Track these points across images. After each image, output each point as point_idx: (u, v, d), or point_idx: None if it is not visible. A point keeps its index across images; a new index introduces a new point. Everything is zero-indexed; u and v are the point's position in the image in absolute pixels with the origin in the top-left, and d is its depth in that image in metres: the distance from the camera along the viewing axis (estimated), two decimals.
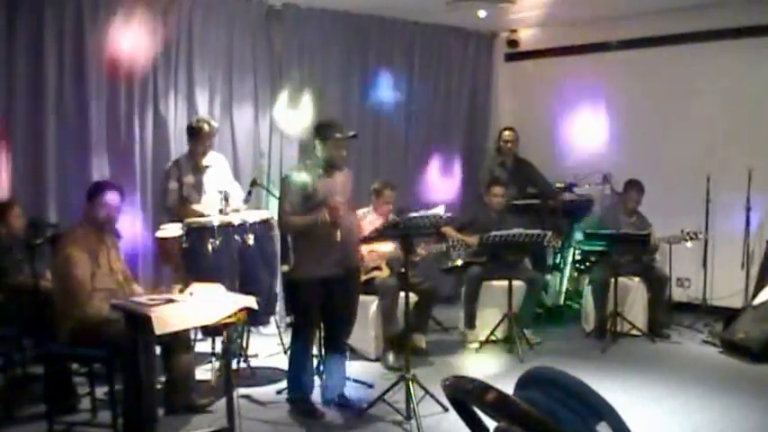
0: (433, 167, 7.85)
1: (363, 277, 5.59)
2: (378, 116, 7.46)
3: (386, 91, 7.47)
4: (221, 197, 5.17)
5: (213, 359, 5.11)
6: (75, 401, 4.51)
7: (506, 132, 7.50)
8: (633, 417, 2.19)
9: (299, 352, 4.61)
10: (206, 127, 5.42)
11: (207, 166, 5.49)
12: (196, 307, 3.82)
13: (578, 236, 6.66)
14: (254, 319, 4.87)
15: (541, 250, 6.75)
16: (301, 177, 4.46)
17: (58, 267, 4.21)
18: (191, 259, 4.92)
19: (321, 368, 4.99)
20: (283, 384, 4.95)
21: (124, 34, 5.79)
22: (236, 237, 4.93)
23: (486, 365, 5.49)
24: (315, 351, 5.02)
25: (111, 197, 4.35)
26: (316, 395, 4.71)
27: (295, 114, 6.46)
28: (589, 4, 6.96)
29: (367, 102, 7.35)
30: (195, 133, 5.41)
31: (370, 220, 5.63)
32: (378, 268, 5.71)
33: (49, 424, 4.06)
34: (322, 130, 4.52)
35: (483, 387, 1.78)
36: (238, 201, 5.47)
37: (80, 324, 4.07)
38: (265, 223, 5.19)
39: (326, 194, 4.42)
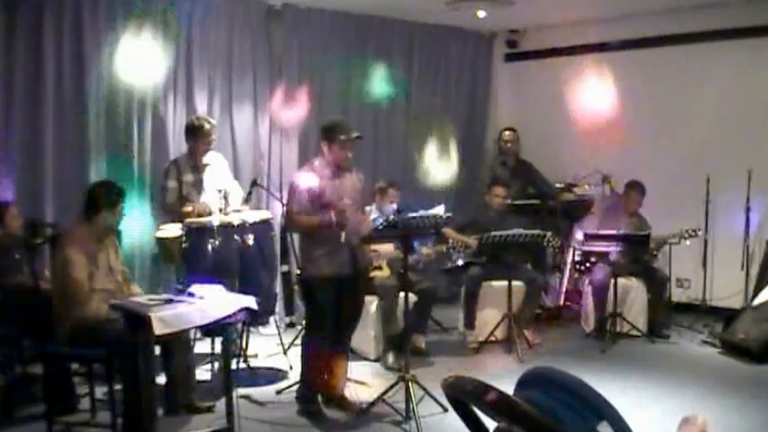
0: (433, 167, 7.84)
1: None
2: (377, 116, 7.46)
3: (385, 91, 7.48)
4: (220, 196, 5.18)
5: (212, 359, 5.11)
6: (74, 401, 4.50)
7: (506, 132, 7.53)
8: (633, 417, 2.19)
9: (312, 351, 4.58)
10: (206, 125, 5.41)
11: (206, 165, 5.49)
12: (196, 307, 3.82)
13: (578, 236, 6.65)
14: (254, 319, 4.88)
15: (541, 250, 6.75)
16: (309, 177, 4.47)
17: (56, 269, 4.21)
18: (191, 259, 4.92)
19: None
20: (283, 384, 4.96)
21: (123, 34, 5.80)
22: (236, 237, 4.93)
23: (485, 366, 5.49)
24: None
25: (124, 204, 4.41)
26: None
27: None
28: (589, 4, 6.96)
29: (367, 102, 7.35)
30: (195, 132, 5.41)
31: (372, 218, 5.62)
32: (378, 268, 5.70)
33: (48, 424, 4.05)
34: (328, 131, 4.53)
35: (483, 387, 1.78)
36: (238, 200, 5.47)
37: (79, 324, 4.06)
38: (265, 223, 5.19)
39: (334, 196, 4.43)
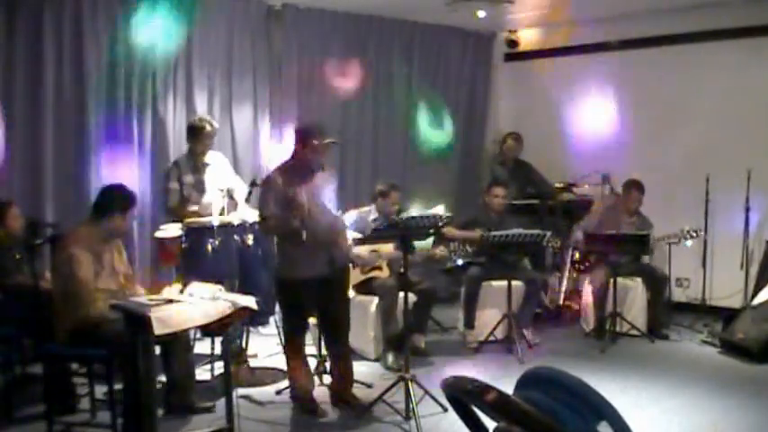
0: (432, 167, 7.85)
1: (362, 277, 5.61)
2: (377, 116, 7.46)
3: (385, 91, 7.49)
4: (222, 195, 5.19)
5: (212, 359, 5.12)
6: (74, 401, 4.51)
7: (509, 142, 7.54)
8: (633, 417, 2.19)
9: (291, 351, 4.63)
10: (207, 127, 5.43)
11: (207, 165, 5.50)
12: (196, 307, 3.82)
13: (578, 235, 6.65)
14: (254, 319, 4.88)
15: (541, 250, 6.75)
16: (280, 181, 4.40)
17: (61, 267, 4.18)
18: (190, 259, 4.93)
19: (321, 369, 5.00)
20: (283, 384, 4.96)
21: (123, 34, 5.80)
22: (236, 237, 4.94)
23: (485, 365, 5.49)
24: (314, 351, 5.03)
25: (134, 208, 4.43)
26: (317, 393, 4.71)
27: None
28: (589, 3, 6.96)
29: (366, 102, 7.35)
30: (197, 132, 5.42)
31: (371, 219, 5.62)
32: (378, 268, 5.70)
33: (48, 424, 4.05)
34: (302, 133, 4.49)
35: (483, 387, 1.78)
36: (243, 194, 5.50)
37: (81, 324, 4.06)
38: None
39: (304, 199, 4.33)
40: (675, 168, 7.11)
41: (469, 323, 6.11)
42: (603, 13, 7.25)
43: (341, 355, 4.68)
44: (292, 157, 4.53)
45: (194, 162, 5.46)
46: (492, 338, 5.96)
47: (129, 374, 3.85)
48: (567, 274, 7.21)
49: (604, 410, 1.77)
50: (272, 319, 5.89)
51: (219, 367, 4.81)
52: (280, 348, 5.61)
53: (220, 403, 4.33)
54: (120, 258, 4.40)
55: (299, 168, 4.45)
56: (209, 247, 4.83)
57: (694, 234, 6.28)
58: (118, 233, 4.38)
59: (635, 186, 6.49)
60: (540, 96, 8.14)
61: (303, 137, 4.44)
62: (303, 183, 4.40)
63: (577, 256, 6.95)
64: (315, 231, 4.35)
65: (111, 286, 4.24)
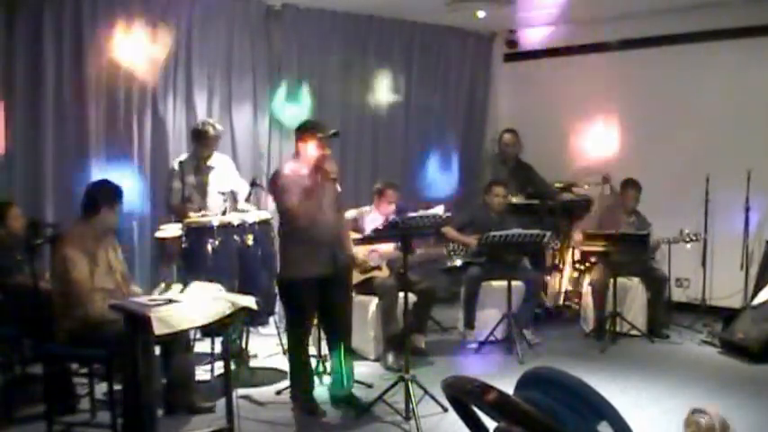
0: (432, 167, 7.85)
1: (362, 277, 5.61)
2: (377, 116, 7.46)
3: (385, 91, 7.49)
4: (223, 199, 5.19)
5: (212, 359, 5.12)
6: (74, 402, 4.51)
7: (506, 136, 7.49)
8: (633, 417, 2.19)
9: (294, 351, 4.64)
10: (211, 130, 5.43)
11: (211, 168, 5.51)
12: (196, 307, 3.82)
13: (577, 236, 6.65)
14: (254, 319, 4.88)
15: (541, 250, 6.75)
16: (289, 173, 4.44)
17: (57, 268, 4.20)
18: (190, 259, 4.93)
19: (321, 369, 5.00)
20: (283, 384, 4.96)
21: (123, 35, 5.80)
22: (236, 237, 4.94)
23: (485, 365, 5.49)
24: (314, 351, 5.03)
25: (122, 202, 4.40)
26: (317, 393, 4.71)
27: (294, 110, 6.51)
28: (588, 3, 6.96)
29: (366, 102, 7.35)
30: (201, 137, 5.42)
31: (371, 218, 5.62)
32: (378, 268, 5.70)
33: (48, 424, 4.05)
34: (302, 131, 4.51)
35: (483, 387, 1.78)
36: (244, 195, 5.50)
37: (81, 324, 4.06)
38: (265, 224, 5.19)
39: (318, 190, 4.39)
40: (675, 168, 7.11)
41: (469, 323, 6.11)
42: (603, 13, 7.25)
43: (341, 354, 4.68)
44: (296, 156, 4.58)
45: (197, 163, 5.46)
46: (492, 338, 5.96)
47: (129, 374, 3.85)
48: (567, 274, 7.22)
49: (604, 410, 1.78)
50: (271, 319, 5.89)
51: (219, 367, 4.81)
52: (280, 348, 5.63)
53: (220, 403, 4.33)
54: (115, 257, 4.40)
55: (304, 166, 4.48)
56: (209, 248, 4.83)
57: (693, 238, 6.29)
58: (109, 228, 4.37)
59: (631, 185, 6.51)
60: (540, 96, 8.13)
61: (305, 134, 4.48)
62: (311, 178, 4.42)
63: (577, 255, 6.96)
64: (317, 230, 4.37)
65: (108, 285, 4.24)
